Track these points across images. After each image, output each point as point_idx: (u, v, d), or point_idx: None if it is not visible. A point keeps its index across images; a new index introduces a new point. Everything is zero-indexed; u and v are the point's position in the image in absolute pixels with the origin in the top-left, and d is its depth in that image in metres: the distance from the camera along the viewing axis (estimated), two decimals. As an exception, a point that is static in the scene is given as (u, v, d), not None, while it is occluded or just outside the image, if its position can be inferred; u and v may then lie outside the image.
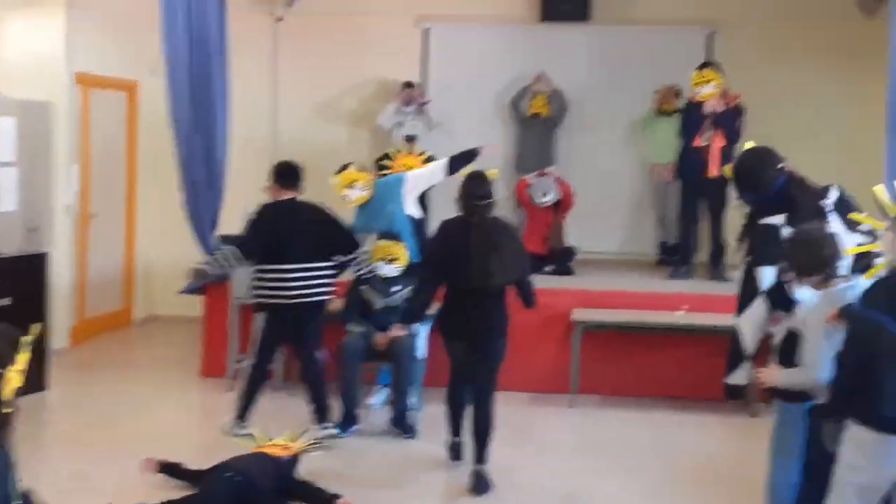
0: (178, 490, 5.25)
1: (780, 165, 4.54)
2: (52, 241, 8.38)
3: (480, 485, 5.52)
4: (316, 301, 6.29)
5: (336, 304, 6.77)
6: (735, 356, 4.59)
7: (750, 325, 4.50)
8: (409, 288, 6.60)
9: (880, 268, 3.94)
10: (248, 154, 9.68)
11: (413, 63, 10.04)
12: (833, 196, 4.45)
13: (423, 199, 7.67)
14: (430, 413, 6.93)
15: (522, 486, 5.69)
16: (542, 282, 7.98)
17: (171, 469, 5.50)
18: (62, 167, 8.63)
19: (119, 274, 9.81)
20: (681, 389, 7.47)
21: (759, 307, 4.43)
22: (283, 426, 5.94)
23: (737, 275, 4.82)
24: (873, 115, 7.14)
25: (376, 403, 7.20)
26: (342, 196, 7.03)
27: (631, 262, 9.51)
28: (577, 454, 6.35)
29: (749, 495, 4.65)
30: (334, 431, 6.34)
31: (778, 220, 4.45)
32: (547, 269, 8.45)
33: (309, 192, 8.05)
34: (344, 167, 7.24)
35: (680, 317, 7.46)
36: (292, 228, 6.28)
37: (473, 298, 5.51)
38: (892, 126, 6.91)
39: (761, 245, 4.50)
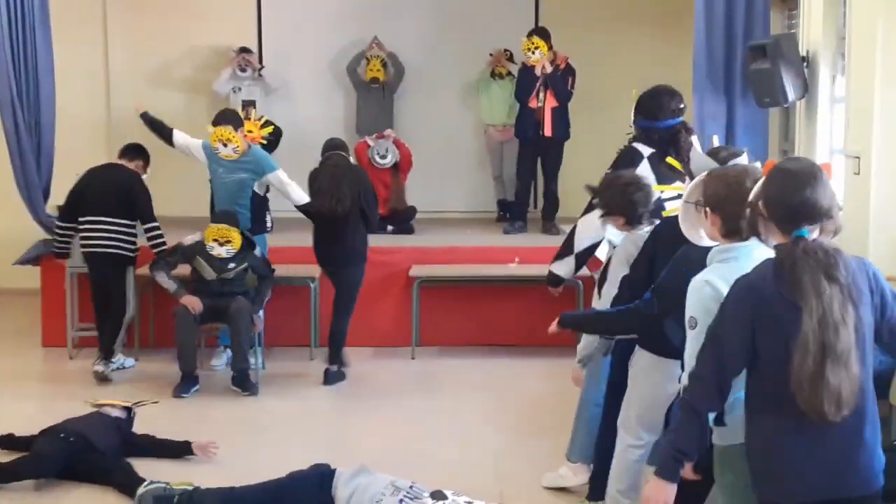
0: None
1: (680, 105, 4.89)
2: None
3: (331, 377, 6.86)
4: (111, 252, 6.99)
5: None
6: (566, 248, 4.99)
7: (586, 227, 4.87)
8: (244, 266, 6.75)
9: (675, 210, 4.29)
10: (81, 125, 9.55)
11: (248, 29, 10.03)
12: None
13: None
14: (272, 372, 7.13)
15: (366, 431, 5.95)
16: (382, 241, 8.28)
17: (4, 442, 5.42)
18: None
19: (-50, 248, 9.51)
20: (516, 337, 7.85)
21: (595, 215, 4.70)
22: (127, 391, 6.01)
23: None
24: (686, 75, 7.58)
25: (219, 365, 7.30)
26: (214, 148, 7.04)
27: (472, 220, 9.83)
28: (415, 399, 6.65)
29: (568, 423, 5.01)
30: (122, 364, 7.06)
31: (646, 150, 4.76)
32: (389, 228, 8.67)
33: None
34: (223, 115, 7.25)
35: (512, 268, 7.83)
36: (99, 187, 7.11)
37: (331, 227, 6.77)
38: (697, 85, 7.37)
39: (619, 163, 4.82)
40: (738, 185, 3.08)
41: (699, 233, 3.29)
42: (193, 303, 6.65)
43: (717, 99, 7.41)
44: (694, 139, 4.96)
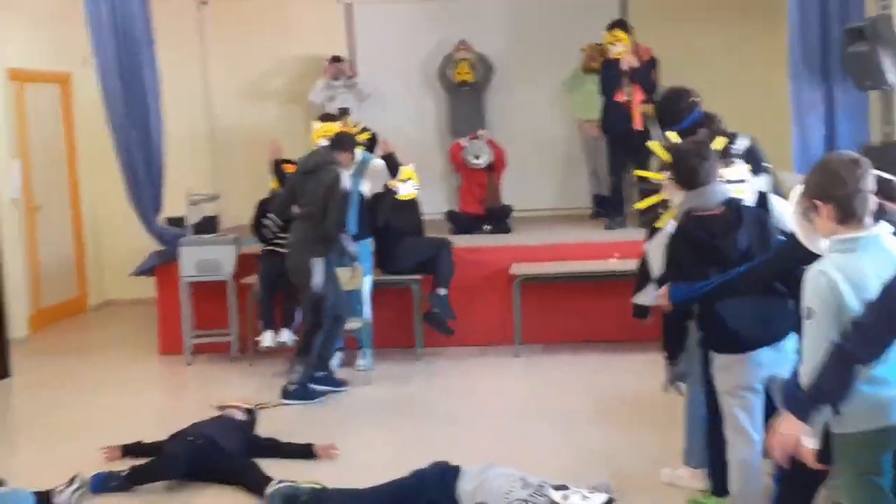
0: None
1: (692, 99, 4.94)
2: (1, 235, 8.54)
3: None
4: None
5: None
6: (642, 277, 4.91)
7: (657, 249, 4.84)
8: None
9: (669, 215, 4.31)
10: (186, 139, 9.90)
11: (339, 38, 10.28)
12: (742, 144, 4.75)
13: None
14: (381, 372, 7.31)
15: (475, 429, 6.08)
16: (481, 240, 8.44)
17: (134, 449, 5.63)
18: (3, 162, 8.77)
19: (71, 262, 10.00)
20: (619, 333, 7.85)
21: (666, 233, 4.73)
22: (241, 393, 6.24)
23: None
24: (781, 64, 7.52)
25: (332, 365, 7.48)
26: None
27: (566, 216, 9.88)
28: (521, 396, 6.75)
29: (675, 417, 5.04)
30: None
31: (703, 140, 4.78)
32: (485, 228, 8.80)
33: (246, 170, 8.36)
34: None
35: (612, 264, 7.86)
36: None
37: None
38: (794, 73, 7.30)
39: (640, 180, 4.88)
40: (836, 167, 3.10)
41: (818, 240, 3.26)
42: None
43: (814, 85, 7.32)
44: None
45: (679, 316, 4.26)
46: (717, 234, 4.05)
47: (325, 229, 6.63)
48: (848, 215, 3.09)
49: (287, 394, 6.61)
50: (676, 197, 4.23)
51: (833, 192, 3.10)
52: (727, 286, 3.99)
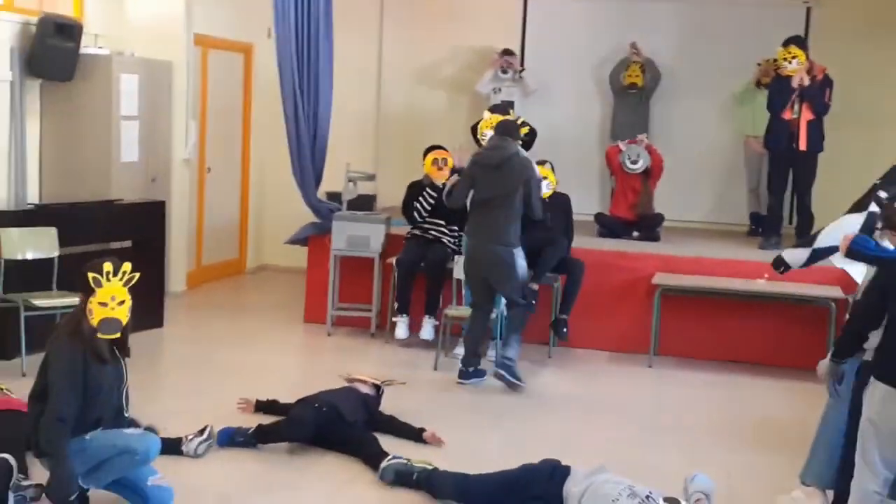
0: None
1: None
2: (171, 192, 9.06)
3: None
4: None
5: None
6: (807, 240, 4.99)
7: (836, 225, 4.75)
8: None
9: None
10: (352, 118, 10.22)
11: (512, 32, 10.35)
12: None
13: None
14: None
15: (594, 433, 6.07)
16: (628, 246, 8.37)
17: (266, 406, 5.94)
18: (181, 123, 9.27)
19: (233, 225, 10.49)
20: (758, 355, 7.69)
21: (852, 219, 4.63)
22: (373, 371, 6.42)
23: None
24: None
25: (462, 353, 7.60)
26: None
27: (721, 231, 9.69)
28: (648, 407, 6.69)
29: (805, 445, 4.90)
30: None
31: None
32: (634, 234, 8.72)
33: (407, 152, 8.51)
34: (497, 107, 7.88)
35: (760, 284, 7.65)
36: None
37: None
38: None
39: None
40: None
41: None
42: None
43: None
44: None
45: (864, 322, 4.16)
46: None
47: (534, 215, 6.82)
48: None
49: (506, 371, 6.79)
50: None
51: None
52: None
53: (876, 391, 3.99)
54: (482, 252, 6.82)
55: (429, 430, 5.66)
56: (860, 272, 4.78)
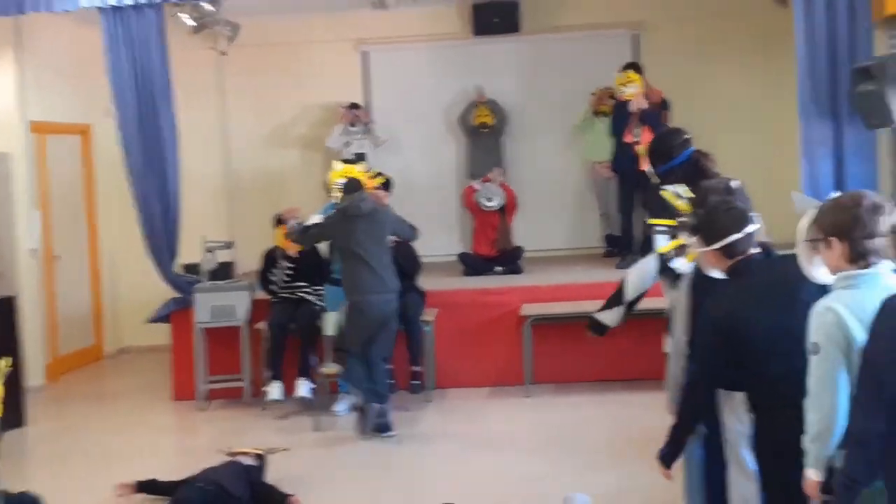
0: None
1: (685, 137, 4.97)
2: (20, 285, 8.68)
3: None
4: None
5: None
6: (614, 299, 5.02)
7: (637, 275, 4.89)
8: None
9: (690, 258, 4.29)
10: (203, 188, 10.05)
11: (356, 85, 10.43)
12: (734, 185, 4.78)
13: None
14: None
15: (485, 469, 6.07)
16: (493, 281, 8.48)
17: (147, 486, 5.76)
18: (24, 213, 8.94)
19: (87, 311, 10.12)
20: (628, 372, 7.86)
21: (648, 263, 4.79)
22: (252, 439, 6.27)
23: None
24: (790, 102, 7.56)
25: (342, 410, 7.53)
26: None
27: (578, 256, 9.92)
28: (532, 436, 6.75)
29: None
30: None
31: (680, 189, 4.80)
32: (497, 269, 8.84)
33: (263, 216, 8.44)
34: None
35: (623, 304, 7.84)
36: None
37: None
38: (803, 110, 7.33)
39: (660, 210, 4.85)
40: (857, 210, 3.12)
41: (819, 270, 3.28)
42: None
43: (824, 123, 7.33)
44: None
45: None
46: None
47: (414, 267, 7.33)
48: (859, 256, 3.13)
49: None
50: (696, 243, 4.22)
51: (850, 234, 3.12)
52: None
53: (735, 401, 4.00)
54: (376, 302, 6.84)
55: (293, 496, 5.53)
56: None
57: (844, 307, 3.06)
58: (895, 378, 2.88)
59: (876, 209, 3.13)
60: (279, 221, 7.84)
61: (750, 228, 3.81)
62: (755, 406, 3.72)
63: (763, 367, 3.60)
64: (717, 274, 3.93)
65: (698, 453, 4.52)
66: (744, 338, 3.59)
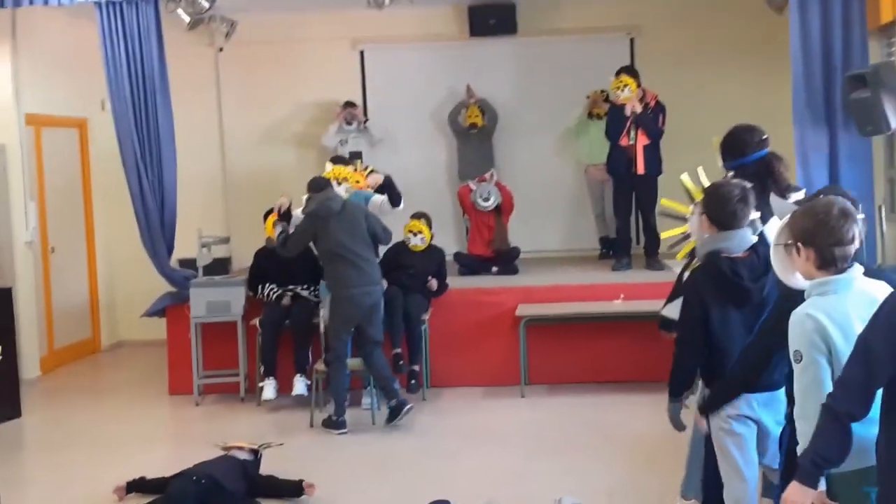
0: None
1: (763, 137, 4.94)
2: (16, 276, 8.70)
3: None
4: None
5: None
6: (675, 292, 4.94)
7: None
8: None
9: (689, 247, 4.34)
10: (199, 182, 10.06)
11: (352, 84, 10.44)
12: (797, 197, 4.74)
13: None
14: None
15: (478, 470, 6.11)
16: (488, 282, 8.51)
17: (138, 485, 5.73)
18: (20, 205, 8.95)
19: (84, 303, 10.12)
20: (624, 373, 7.93)
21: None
22: (247, 435, 6.30)
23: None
24: (784, 108, 7.62)
25: (369, 404, 7.48)
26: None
27: (574, 258, 9.97)
28: (526, 437, 6.79)
29: (679, 459, 5.06)
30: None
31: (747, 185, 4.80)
32: (493, 269, 8.87)
33: (259, 212, 8.47)
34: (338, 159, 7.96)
35: (618, 305, 7.92)
36: None
37: None
38: (797, 117, 7.40)
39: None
40: (826, 217, 3.17)
41: (794, 275, 3.35)
42: None
43: (819, 129, 7.41)
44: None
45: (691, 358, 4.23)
46: (745, 277, 4.07)
47: (382, 242, 7.32)
48: (828, 263, 3.18)
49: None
50: (703, 233, 4.26)
51: (817, 241, 3.18)
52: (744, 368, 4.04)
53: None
54: (359, 296, 6.93)
55: (305, 481, 5.59)
56: None
57: (823, 313, 3.11)
58: (888, 370, 2.92)
59: (845, 216, 3.18)
60: (269, 213, 7.85)
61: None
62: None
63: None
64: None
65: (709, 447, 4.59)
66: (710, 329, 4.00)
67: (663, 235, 4.61)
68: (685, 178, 4.56)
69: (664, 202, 4.77)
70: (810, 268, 3.22)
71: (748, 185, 4.26)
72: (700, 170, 4.76)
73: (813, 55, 7.37)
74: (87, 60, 9.16)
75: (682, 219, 4.73)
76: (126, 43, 8.06)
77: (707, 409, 4.16)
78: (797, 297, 3.33)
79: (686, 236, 4.47)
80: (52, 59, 9.53)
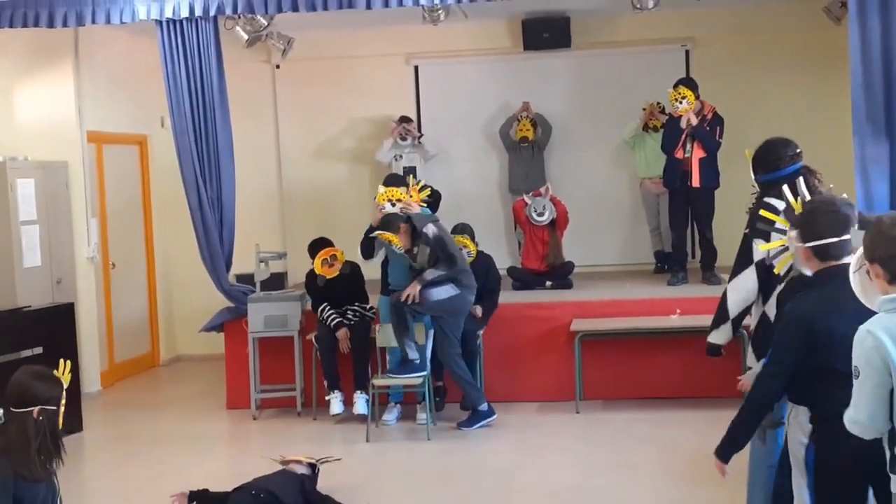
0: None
1: (797, 151, 4.86)
2: (78, 292, 8.88)
3: None
4: None
5: None
6: (720, 317, 4.86)
7: (736, 291, 4.75)
8: None
9: (787, 260, 4.26)
10: (256, 198, 10.19)
11: (406, 99, 10.51)
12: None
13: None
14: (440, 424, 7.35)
15: (534, 485, 6.09)
16: (543, 296, 8.50)
17: (199, 497, 5.76)
18: (82, 222, 9.13)
19: (143, 318, 10.30)
20: (680, 389, 7.85)
21: (748, 276, 4.69)
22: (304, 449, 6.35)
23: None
24: (843, 121, 7.51)
25: (391, 420, 7.60)
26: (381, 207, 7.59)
27: (629, 272, 9.90)
28: (582, 453, 6.76)
29: (739, 480, 4.99)
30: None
31: (780, 204, 4.73)
32: (547, 284, 8.85)
33: (315, 227, 8.55)
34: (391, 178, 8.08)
35: (674, 320, 7.85)
36: None
37: None
38: (857, 129, 7.28)
39: (760, 220, 4.81)
40: (888, 230, 3.13)
41: (874, 298, 3.25)
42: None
43: (879, 141, 7.28)
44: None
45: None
46: None
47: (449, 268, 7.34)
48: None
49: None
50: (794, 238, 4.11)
51: (881, 254, 3.14)
52: None
53: (793, 413, 3.97)
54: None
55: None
56: None
57: (884, 331, 3.07)
58: None
59: None
60: (315, 246, 7.91)
61: (846, 236, 3.78)
62: (816, 418, 3.72)
63: (830, 377, 3.59)
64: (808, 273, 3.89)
65: (768, 472, 4.51)
66: (818, 343, 3.62)
67: (762, 248, 4.53)
68: (786, 189, 4.43)
69: (763, 213, 4.61)
70: (883, 284, 3.17)
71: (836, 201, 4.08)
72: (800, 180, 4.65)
73: (873, 65, 7.25)
74: (147, 78, 9.35)
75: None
76: (186, 60, 8.19)
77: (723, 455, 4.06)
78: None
79: (784, 248, 4.39)
80: (112, 77, 9.72)
